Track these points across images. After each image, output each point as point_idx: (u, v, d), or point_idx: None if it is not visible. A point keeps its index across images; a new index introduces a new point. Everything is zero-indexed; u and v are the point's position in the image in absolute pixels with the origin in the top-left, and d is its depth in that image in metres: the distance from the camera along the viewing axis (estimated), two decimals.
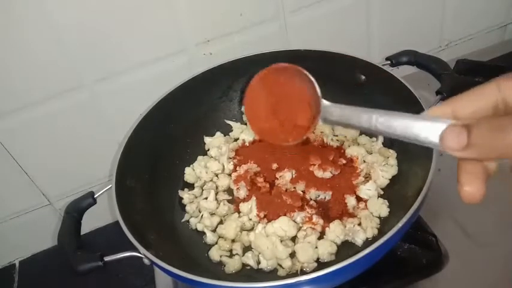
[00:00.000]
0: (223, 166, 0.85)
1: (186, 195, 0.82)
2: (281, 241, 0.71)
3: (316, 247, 0.69)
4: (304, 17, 0.90)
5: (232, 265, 0.70)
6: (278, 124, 0.50)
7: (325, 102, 0.44)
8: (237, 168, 0.83)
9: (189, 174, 0.85)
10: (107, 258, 0.64)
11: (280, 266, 0.69)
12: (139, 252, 0.62)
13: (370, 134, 0.83)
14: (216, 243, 0.75)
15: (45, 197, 0.91)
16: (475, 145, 0.32)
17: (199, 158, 0.87)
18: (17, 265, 0.96)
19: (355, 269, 0.60)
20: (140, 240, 0.62)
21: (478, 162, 0.35)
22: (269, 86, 0.49)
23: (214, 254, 0.72)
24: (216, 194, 0.81)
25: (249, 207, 0.76)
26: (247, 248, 0.73)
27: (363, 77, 0.81)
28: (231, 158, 0.86)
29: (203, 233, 0.76)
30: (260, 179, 0.81)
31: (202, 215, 0.77)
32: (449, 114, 0.35)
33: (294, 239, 0.72)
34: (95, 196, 0.73)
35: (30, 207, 0.92)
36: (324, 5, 0.90)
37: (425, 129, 0.35)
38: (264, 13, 0.87)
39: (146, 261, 0.62)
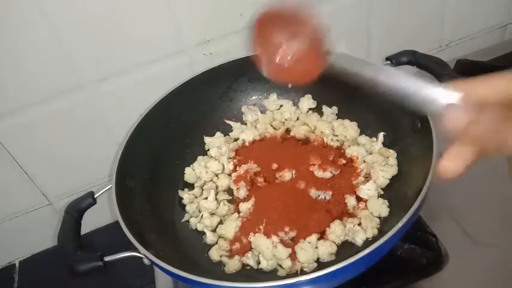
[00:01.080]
0: (223, 166, 0.85)
1: (186, 195, 0.81)
2: (281, 241, 0.71)
3: (317, 247, 0.69)
4: None
5: (232, 265, 0.70)
6: (290, 62, 0.49)
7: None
8: (237, 168, 0.83)
9: (189, 174, 0.85)
10: (107, 258, 0.64)
11: (280, 266, 0.69)
12: (139, 252, 0.62)
13: (370, 134, 0.83)
14: (216, 243, 0.75)
15: (45, 197, 0.91)
16: (473, 137, 0.33)
17: (199, 158, 0.87)
18: (17, 265, 0.96)
19: (355, 269, 0.60)
20: (140, 240, 0.62)
21: (468, 147, 0.34)
22: (278, 23, 0.48)
23: (214, 254, 0.72)
24: (216, 194, 0.81)
25: (249, 207, 0.76)
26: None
27: None
28: (231, 158, 0.86)
29: (203, 233, 0.76)
30: (260, 179, 0.81)
31: (202, 215, 0.77)
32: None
33: (294, 239, 0.72)
34: (95, 196, 0.73)
35: (30, 207, 0.92)
36: (324, 5, 0.90)
37: (437, 93, 0.34)
38: None
39: (146, 261, 0.62)
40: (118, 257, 0.64)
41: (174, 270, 0.59)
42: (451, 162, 0.34)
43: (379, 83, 0.38)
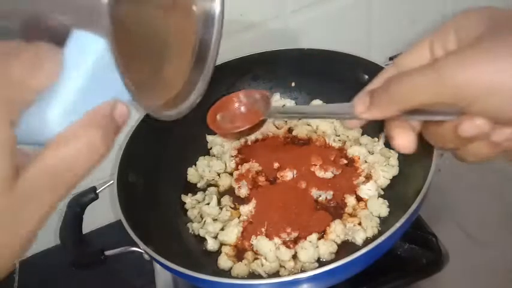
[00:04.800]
0: (226, 165, 0.85)
1: (188, 199, 0.81)
2: (283, 242, 0.71)
3: (317, 246, 0.70)
4: (304, 16, 0.90)
5: (238, 268, 0.70)
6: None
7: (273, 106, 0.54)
8: (239, 166, 0.84)
9: (191, 174, 0.85)
10: (107, 253, 0.64)
11: (283, 266, 0.70)
12: (140, 248, 0.62)
13: (372, 134, 0.84)
14: (218, 250, 0.74)
15: None
16: (375, 105, 0.38)
17: (201, 157, 0.87)
18: (17, 265, 0.96)
19: (355, 267, 0.60)
20: (140, 236, 0.62)
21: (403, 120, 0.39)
22: (226, 108, 0.58)
23: (225, 262, 0.71)
24: (219, 199, 0.80)
25: (250, 210, 0.77)
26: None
27: (366, 77, 0.81)
28: (233, 157, 0.86)
29: (204, 238, 0.76)
30: (262, 178, 0.81)
31: (205, 221, 0.77)
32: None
33: (295, 239, 0.72)
34: (97, 191, 0.73)
35: None
36: (324, 4, 0.90)
37: (346, 106, 0.42)
38: (265, 13, 0.87)
39: (146, 256, 0.63)
40: (118, 251, 0.64)
41: (174, 266, 0.59)
42: (402, 140, 0.40)
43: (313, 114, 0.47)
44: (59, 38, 0.30)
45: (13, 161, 0.27)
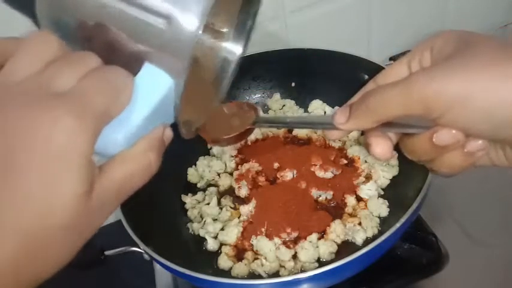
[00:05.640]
0: (226, 165, 0.85)
1: (188, 199, 0.81)
2: (283, 242, 0.71)
3: (317, 246, 0.70)
4: (304, 16, 0.90)
5: (238, 268, 0.70)
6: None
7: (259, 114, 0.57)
8: (239, 166, 0.84)
9: (191, 174, 0.85)
10: (107, 253, 0.64)
11: (283, 267, 0.70)
12: (140, 247, 0.62)
13: None
14: (218, 250, 0.74)
15: None
16: (353, 117, 0.40)
17: (201, 157, 0.87)
18: None
19: (355, 267, 0.60)
20: (140, 236, 0.62)
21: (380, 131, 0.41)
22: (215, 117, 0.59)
23: (225, 262, 0.71)
24: (219, 199, 0.80)
25: (250, 210, 0.77)
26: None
27: (366, 77, 0.81)
28: (233, 157, 0.86)
29: (204, 238, 0.76)
30: (262, 178, 0.81)
31: (205, 221, 0.77)
32: None
33: (295, 239, 0.72)
34: None
35: None
36: (324, 4, 0.90)
37: (327, 117, 0.44)
38: (264, 13, 0.87)
39: (146, 256, 0.63)
40: (118, 251, 0.64)
41: (174, 266, 0.59)
42: (380, 148, 0.42)
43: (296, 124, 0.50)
44: (132, 66, 0.34)
45: (90, 174, 0.30)
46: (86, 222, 0.30)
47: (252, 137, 0.88)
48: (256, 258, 0.71)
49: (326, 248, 0.69)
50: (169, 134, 0.37)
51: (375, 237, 0.69)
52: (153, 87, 0.34)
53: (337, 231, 0.71)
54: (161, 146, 0.36)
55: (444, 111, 0.34)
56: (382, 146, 0.42)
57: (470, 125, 0.34)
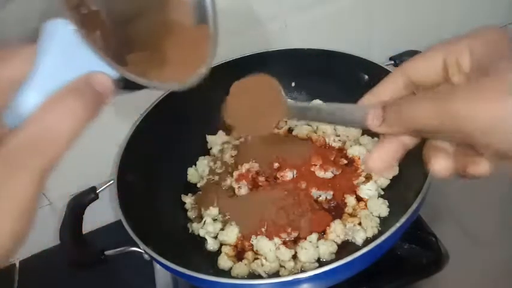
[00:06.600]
0: (226, 165, 0.85)
1: (188, 199, 0.81)
2: (283, 242, 0.71)
3: (317, 246, 0.70)
4: (304, 16, 0.90)
5: (238, 268, 0.70)
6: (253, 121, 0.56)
7: (289, 101, 0.51)
8: (239, 166, 0.84)
9: (191, 174, 0.85)
10: (107, 253, 0.64)
11: (283, 266, 0.70)
12: (140, 248, 0.62)
13: (372, 134, 0.84)
14: (218, 250, 0.74)
15: (46, 197, 0.91)
16: (388, 123, 0.40)
17: (201, 157, 0.88)
18: (17, 265, 0.96)
19: (355, 267, 0.60)
20: (140, 236, 0.62)
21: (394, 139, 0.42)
22: (245, 92, 0.57)
23: (225, 262, 0.72)
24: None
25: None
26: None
27: (366, 77, 0.81)
28: (233, 157, 0.86)
29: (204, 238, 0.76)
30: (262, 178, 0.81)
31: (205, 221, 0.77)
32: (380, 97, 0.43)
33: (295, 239, 0.72)
34: (97, 191, 0.73)
35: None
36: (324, 4, 0.90)
37: (356, 111, 0.43)
38: (264, 13, 0.87)
39: (146, 256, 0.63)
40: (118, 251, 0.64)
41: (174, 266, 0.59)
42: (375, 162, 0.42)
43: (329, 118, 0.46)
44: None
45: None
46: None
47: (251, 136, 0.88)
48: (256, 258, 0.71)
49: (326, 248, 0.69)
50: (100, 78, 0.33)
51: (375, 237, 0.69)
52: (51, 39, 0.32)
53: (337, 231, 0.71)
54: (88, 91, 0.33)
55: (478, 135, 0.34)
56: (441, 162, 0.40)
57: (506, 147, 0.34)
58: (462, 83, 0.38)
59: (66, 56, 0.32)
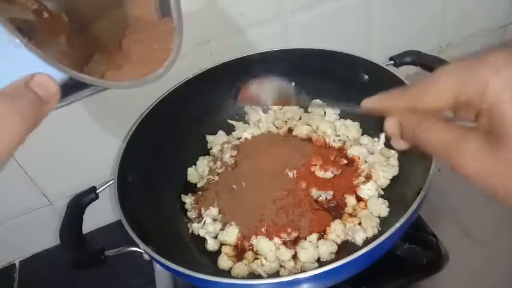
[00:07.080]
0: (226, 165, 0.85)
1: (188, 200, 0.81)
2: (283, 242, 0.71)
3: (317, 246, 0.70)
4: (304, 16, 0.90)
5: (238, 268, 0.70)
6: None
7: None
8: (239, 166, 0.83)
9: (191, 174, 0.85)
10: (107, 253, 0.64)
11: (283, 266, 0.70)
12: (140, 248, 0.62)
13: (372, 134, 0.84)
14: (218, 250, 0.74)
15: (46, 197, 0.91)
16: (405, 139, 0.42)
17: (201, 157, 0.88)
18: (17, 265, 0.96)
19: (355, 267, 0.60)
20: (140, 236, 0.62)
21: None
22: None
23: (225, 262, 0.72)
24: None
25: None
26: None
27: (366, 77, 0.81)
28: (233, 157, 0.86)
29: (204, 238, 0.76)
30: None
31: (205, 221, 0.77)
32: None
33: (295, 239, 0.72)
34: (97, 191, 0.73)
35: (31, 207, 0.92)
36: (324, 4, 0.90)
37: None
38: (264, 13, 0.87)
39: (146, 256, 0.63)
40: (118, 251, 0.64)
41: (174, 266, 0.59)
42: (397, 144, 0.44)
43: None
44: None
45: None
46: None
47: (251, 136, 0.88)
48: (256, 258, 0.71)
49: (326, 248, 0.69)
50: (40, 79, 0.31)
51: (375, 237, 0.69)
52: None
53: (337, 231, 0.71)
54: (23, 94, 0.30)
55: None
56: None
57: None
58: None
59: (6, 57, 0.30)
